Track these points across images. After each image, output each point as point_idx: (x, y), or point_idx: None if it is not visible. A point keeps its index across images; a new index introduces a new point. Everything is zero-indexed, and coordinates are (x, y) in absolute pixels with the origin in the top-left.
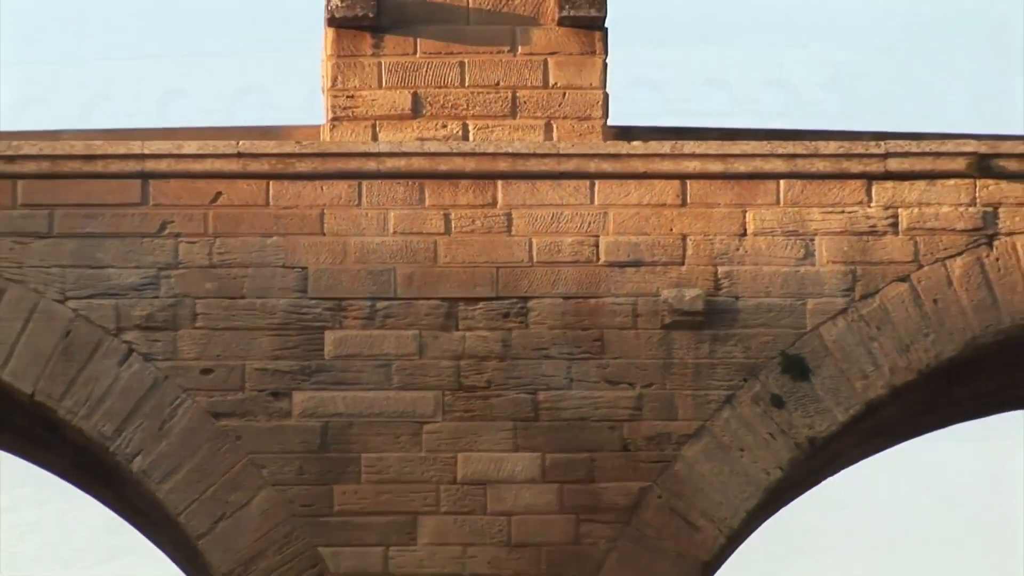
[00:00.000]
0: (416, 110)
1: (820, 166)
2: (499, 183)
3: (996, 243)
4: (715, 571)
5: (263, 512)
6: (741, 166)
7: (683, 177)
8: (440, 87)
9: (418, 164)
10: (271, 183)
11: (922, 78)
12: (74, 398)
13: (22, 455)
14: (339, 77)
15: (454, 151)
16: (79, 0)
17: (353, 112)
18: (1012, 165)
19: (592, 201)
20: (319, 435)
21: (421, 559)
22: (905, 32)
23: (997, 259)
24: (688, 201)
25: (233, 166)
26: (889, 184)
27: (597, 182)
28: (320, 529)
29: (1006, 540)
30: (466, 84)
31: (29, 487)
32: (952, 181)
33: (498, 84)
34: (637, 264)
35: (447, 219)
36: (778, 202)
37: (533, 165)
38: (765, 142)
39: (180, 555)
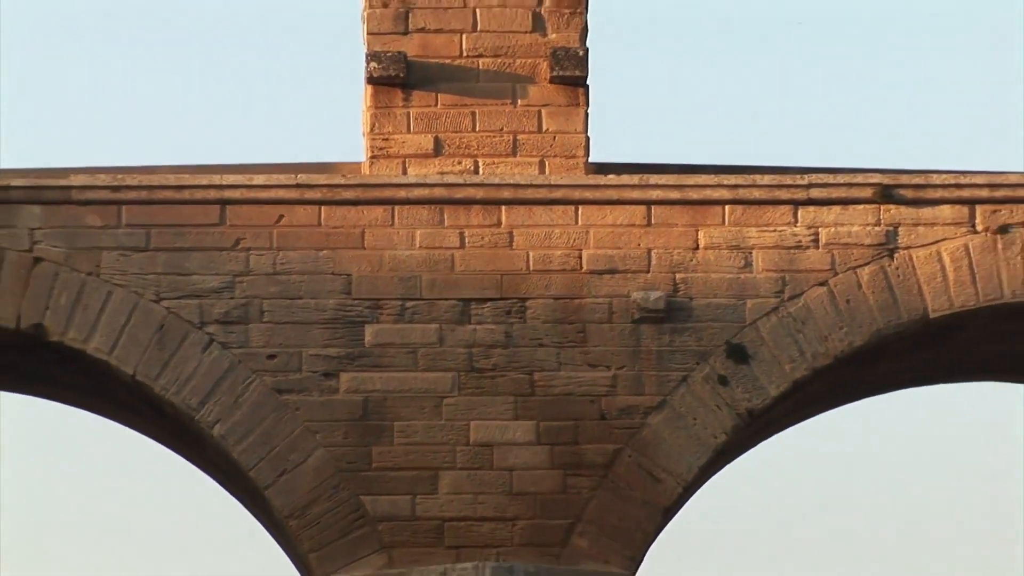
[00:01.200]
0: (437, 150)
1: (757, 194)
2: (503, 208)
3: (896, 255)
4: (673, 514)
5: (316, 468)
6: (694, 194)
7: (648, 203)
8: (456, 132)
9: (438, 193)
10: (322, 208)
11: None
12: (167, 378)
13: (128, 424)
14: (376, 124)
15: (467, 183)
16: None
17: (387, 151)
18: (908, 193)
19: (576, 222)
20: (360, 407)
21: (441, 504)
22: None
23: (897, 268)
24: (652, 222)
25: (292, 194)
26: (811, 209)
27: (580, 207)
28: (361, 481)
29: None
30: (477, 129)
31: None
32: (861, 206)
33: (502, 129)
34: (612, 272)
35: (461, 236)
36: (723, 223)
37: (530, 194)
38: (713, 175)
39: (249, 501)
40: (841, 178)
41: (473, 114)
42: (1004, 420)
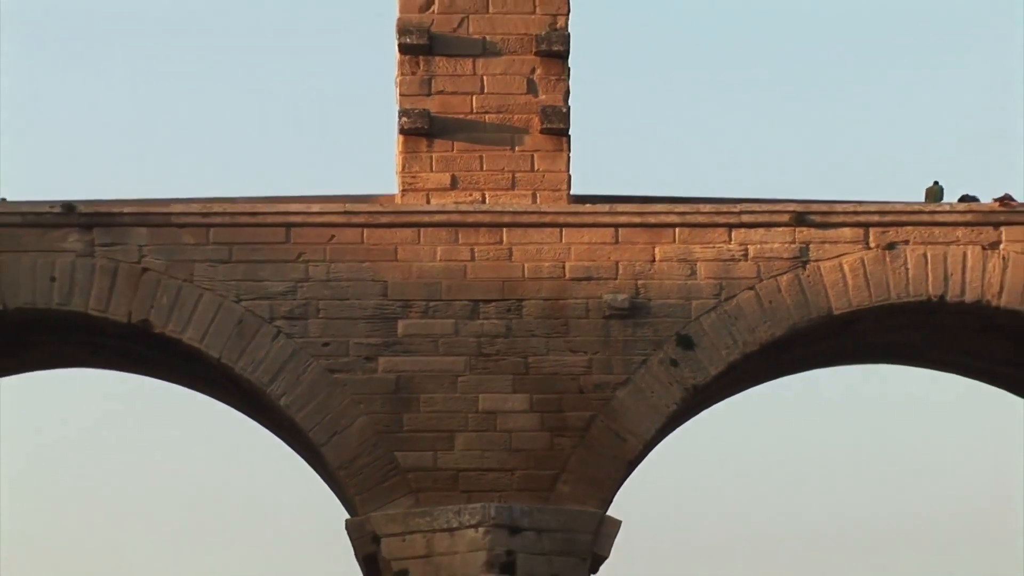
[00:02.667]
0: (453, 185)
1: (700, 219)
2: (504, 230)
3: (807, 266)
4: (636, 466)
5: (359, 431)
6: (651, 219)
7: (616, 226)
8: (468, 171)
9: (454, 218)
10: (364, 230)
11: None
12: (244, 360)
13: (213, 396)
14: (406, 165)
15: (476, 210)
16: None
17: (414, 186)
18: (817, 219)
19: (561, 240)
20: (394, 383)
21: (456, 458)
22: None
23: (808, 276)
24: (619, 240)
25: (341, 219)
26: (742, 230)
27: (564, 229)
28: (394, 441)
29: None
30: (484, 169)
31: None
32: (780, 228)
33: (503, 169)
34: (588, 279)
35: (472, 252)
36: (674, 241)
37: (525, 219)
38: (666, 204)
39: (307, 455)
40: (765, 207)
41: (481, 157)
42: (887, 392)
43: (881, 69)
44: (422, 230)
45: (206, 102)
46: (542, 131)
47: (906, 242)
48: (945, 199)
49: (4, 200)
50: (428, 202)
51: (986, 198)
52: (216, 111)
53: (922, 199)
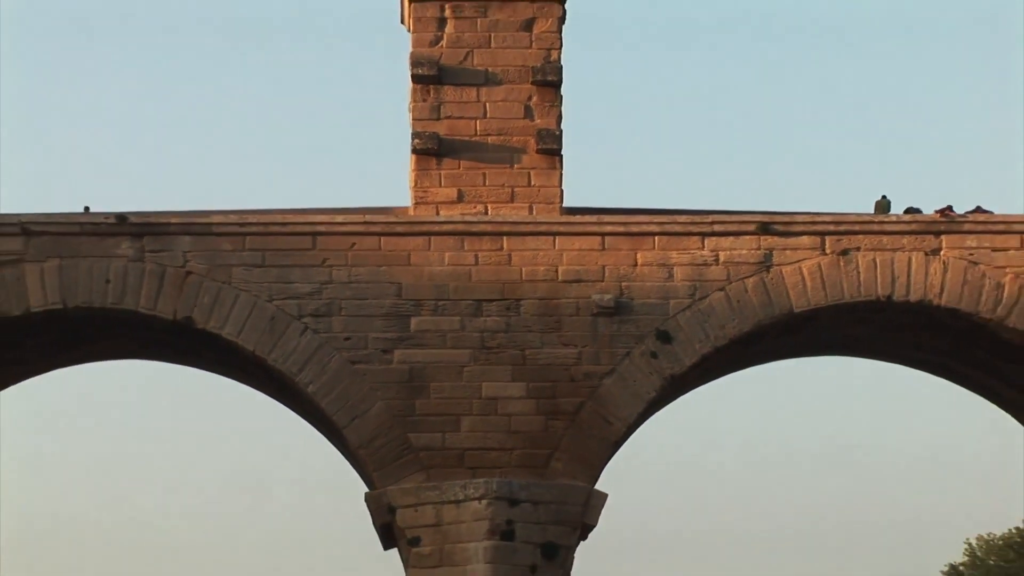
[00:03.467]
0: (459, 198)
1: (677, 229)
2: (504, 238)
3: (771, 270)
4: (620, 446)
5: (377, 415)
6: (634, 228)
7: (603, 235)
8: (472, 186)
9: (460, 228)
10: (381, 238)
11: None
12: (276, 352)
13: (247, 384)
14: (418, 181)
15: (480, 220)
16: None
17: (425, 199)
18: (780, 228)
19: (554, 247)
20: (407, 373)
21: (462, 439)
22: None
23: (771, 278)
24: (605, 247)
25: (360, 229)
26: (714, 238)
27: (557, 237)
28: (408, 424)
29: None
30: (486, 184)
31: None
32: (747, 236)
33: (504, 184)
34: (578, 281)
35: (476, 257)
36: (654, 248)
37: (523, 228)
38: (647, 215)
39: (331, 436)
40: (733, 218)
41: (484, 174)
42: (842, 380)
43: (837, 94)
44: (432, 238)
45: (243, 124)
46: (538, 151)
47: (858, 249)
48: (892, 211)
49: (87, 209)
50: (437, 213)
51: (928, 210)
52: (252, 132)
53: (872, 211)
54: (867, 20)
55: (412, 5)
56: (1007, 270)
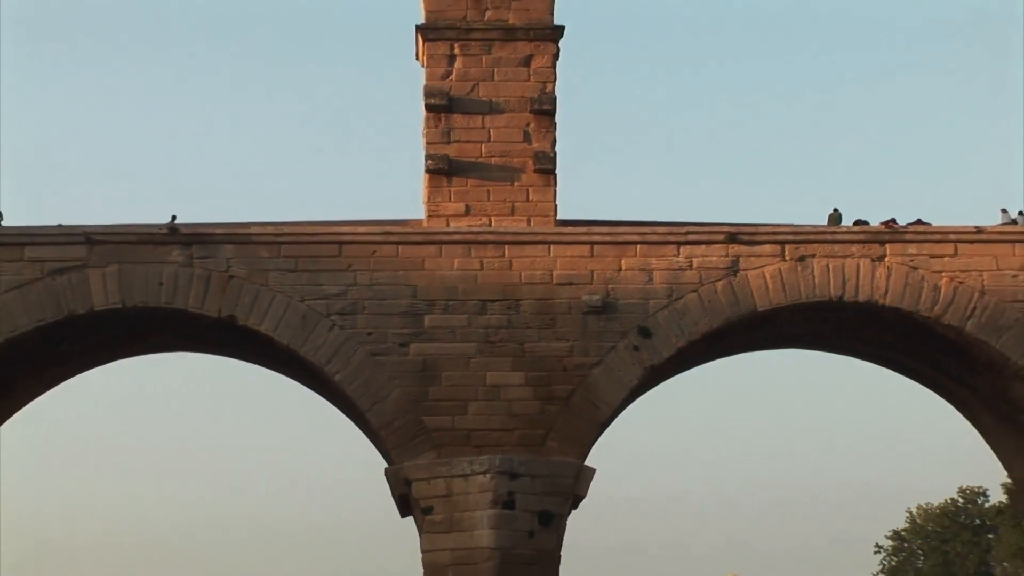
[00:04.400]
0: (467, 212)
1: (656, 238)
2: (506, 246)
3: (738, 275)
4: (607, 427)
5: (395, 400)
6: (619, 238)
7: (591, 243)
8: (478, 201)
9: (468, 238)
10: (399, 246)
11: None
12: (307, 346)
13: (283, 373)
14: (431, 196)
15: (484, 231)
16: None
17: (437, 213)
18: (745, 238)
19: (549, 255)
20: (422, 364)
21: (469, 421)
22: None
23: (738, 282)
24: (594, 254)
25: (380, 238)
26: (688, 247)
27: (551, 246)
28: (423, 407)
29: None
30: (490, 200)
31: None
32: (717, 245)
33: (505, 200)
34: (570, 284)
35: (482, 263)
36: (636, 255)
37: (522, 238)
38: (630, 227)
39: (355, 418)
40: (705, 229)
41: (488, 191)
42: (799, 370)
43: (795, 119)
44: (443, 246)
45: (280, 147)
46: (535, 171)
47: (813, 256)
48: (843, 222)
49: (174, 217)
50: (447, 225)
51: (875, 222)
52: (288, 154)
53: (826, 222)
54: (822, 55)
55: (425, 44)
56: (943, 274)
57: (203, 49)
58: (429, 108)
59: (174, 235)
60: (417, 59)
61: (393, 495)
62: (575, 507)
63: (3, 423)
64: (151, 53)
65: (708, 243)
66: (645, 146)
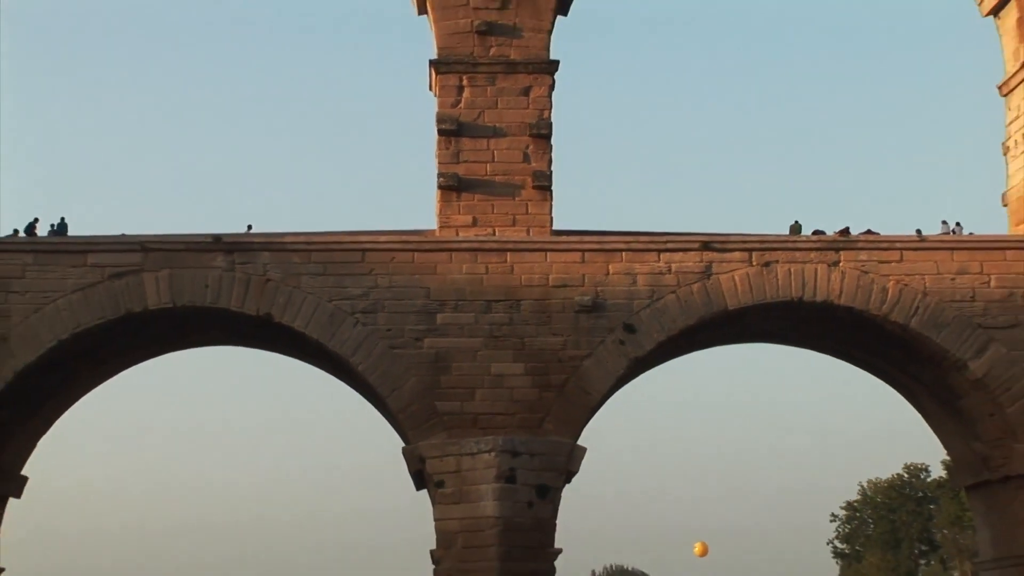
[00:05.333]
0: (474, 223)
1: (638, 246)
2: (508, 253)
3: (711, 278)
4: (596, 412)
5: (411, 387)
6: (607, 246)
7: (583, 250)
8: (484, 214)
9: (475, 245)
10: (415, 253)
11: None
12: (334, 340)
13: (313, 364)
14: (442, 210)
15: (489, 240)
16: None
17: (448, 224)
18: (718, 245)
19: (546, 260)
20: (434, 356)
21: (476, 406)
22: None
23: (711, 284)
24: (585, 260)
25: (398, 246)
26: (667, 253)
27: (548, 252)
28: (435, 394)
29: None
30: (494, 212)
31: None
32: (693, 252)
33: (507, 212)
34: (564, 286)
35: (487, 267)
36: (622, 261)
37: (522, 246)
38: (616, 236)
39: (376, 403)
40: (682, 238)
41: (492, 204)
42: (763, 362)
43: (759, 138)
44: (453, 253)
45: (311, 166)
46: (533, 187)
47: (777, 261)
48: (803, 232)
49: (249, 227)
50: (457, 235)
51: (830, 231)
52: (318, 171)
53: (787, 232)
54: (783, 85)
55: (438, 76)
56: (890, 277)
57: (248, 84)
58: (441, 132)
59: (218, 243)
60: (430, 89)
61: (409, 471)
62: (568, 481)
63: (68, 408)
64: (202, 89)
65: (685, 250)
66: (630, 165)
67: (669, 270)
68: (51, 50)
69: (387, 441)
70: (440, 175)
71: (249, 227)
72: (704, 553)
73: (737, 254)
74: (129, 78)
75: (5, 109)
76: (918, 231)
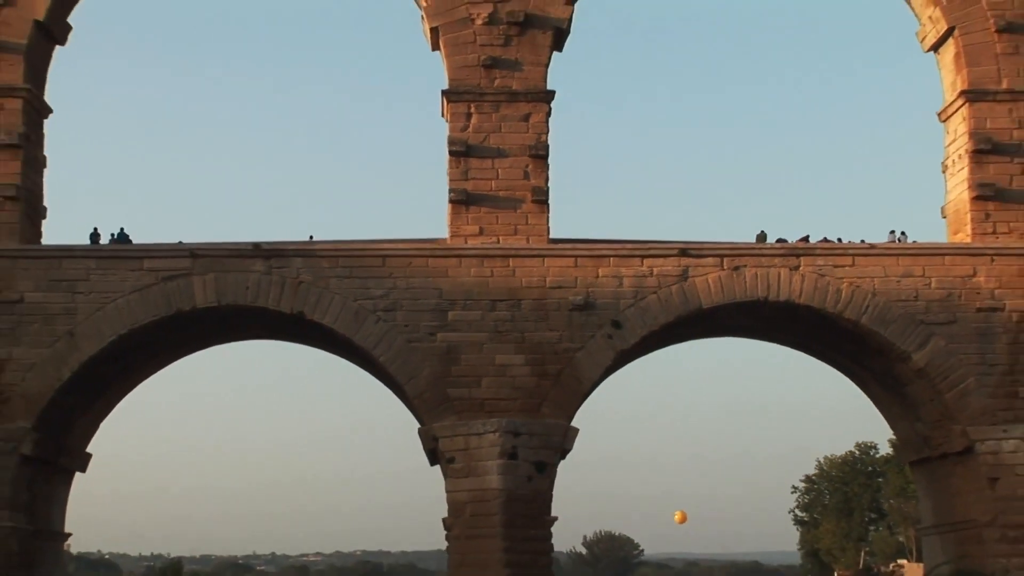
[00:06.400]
0: (480, 232)
1: (624, 252)
2: (511, 259)
3: (688, 280)
4: (587, 397)
5: (426, 376)
6: (596, 252)
7: (576, 256)
8: (489, 224)
9: (481, 252)
10: (429, 259)
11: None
12: (359, 335)
13: (341, 356)
14: (453, 220)
15: (494, 247)
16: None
17: (458, 233)
18: (693, 252)
19: (543, 265)
20: (446, 349)
21: (482, 392)
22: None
23: (688, 286)
24: (577, 265)
25: (414, 252)
26: (650, 259)
27: (545, 258)
28: (447, 381)
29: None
30: (498, 223)
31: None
32: (672, 258)
33: (510, 223)
34: (559, 288)
35: (492, 271)
36: (610, 265)
37: (522, 252)
38: (605, 243)
39: (395, 390)
40: (663, 245)
41: (497, 216)
42: (735, 352)
43: (727, 157)
44: (462, 259)
45: (340, 183)
46: (532, 201)
47: (745, 266)
48: (768, 240)
49: (311, 237)
50: (465, 243)
51: (792, 239)
52: (345, 186)
53: (754, 240)
54: (751, 107)
55: (449, 104)
56: (844, 280)
57: (290, 116)
58: (452, 153)
59: (257, 250)
60: (443, 116)
61: (424, 449)
62: (563, 458)
63: (127, 394)
64: (248, 119)
65: (664, 256)
66: (617, 182)
67: (651, 273)
68: (105, 89)
69: (404, 423)
70: (451, 190)
71: (311, 237)
72: (683, 520)
73: (710, 259)
74: (182, 107)
75: (73, 135)
76: (862, 240)
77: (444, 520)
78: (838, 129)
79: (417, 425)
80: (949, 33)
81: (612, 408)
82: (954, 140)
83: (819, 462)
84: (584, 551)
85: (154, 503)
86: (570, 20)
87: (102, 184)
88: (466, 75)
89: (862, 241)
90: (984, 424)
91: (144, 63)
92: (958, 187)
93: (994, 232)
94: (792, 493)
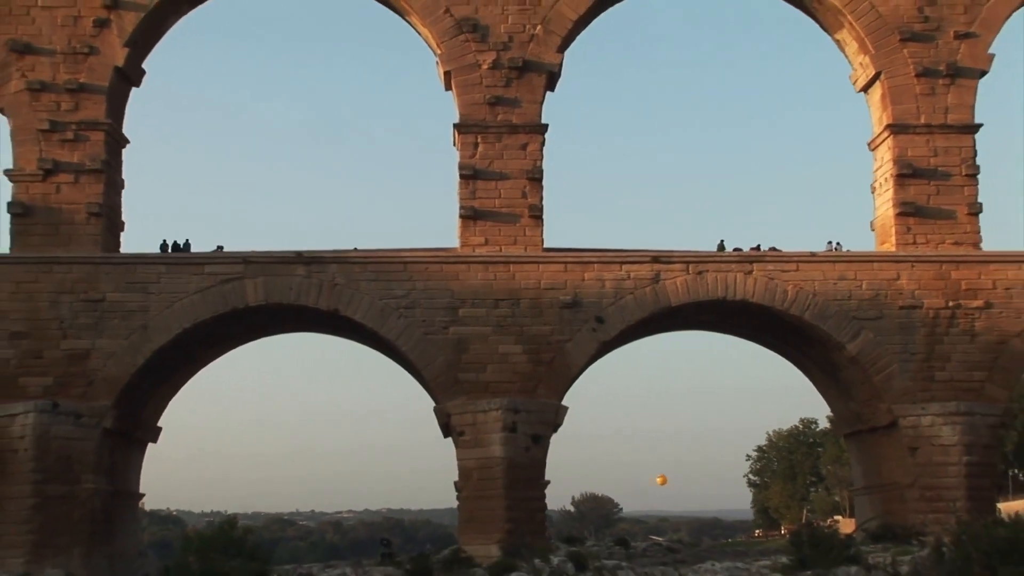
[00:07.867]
0: (486, 243)
1: (606, 259)
2: (511, 265)
3: (659, 283)
4: (575, 381)
5: (439, 363)
6: (583, 259)
7: (565, 263)
8: (493, 236)
9: (487, 259)
10: (443, 265)
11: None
12: (384, 328)
13: (369, 346)
14: (463, 232)
15: (497, 255)
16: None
17: (467, 243)
18: (664, 259)
19: (539, 270)
20: (457, 340)
21: (487, 376)
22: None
23: (660, 288)
24: (567, 270)
25: (430, 260)
26: (627, 265)
27: (540, 264)
28: (459, 367)
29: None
30: (501, 235)
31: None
32: (646, 264)
33: (510, 235)
34: (552, 289)
35: (495, 275)
36: (594, 270)
37: (521, 260)
38: (591, 251)
39: (415, 375)
40: (638, 253)
41: (499, 229)
42: (702, 345)
43: (691, 180)
44: (470, 265)
45: (367, 199)
46: (529, 217)
47: (707, 270)
48: (726, 248)
49: (356, 249)
50: (473, 251)
51: (746, 248)
52: (373, 203)
53: (715, 248)
54: (711, 128)
55: (459, 135)
56: (789, 283)
57: (327, 143)
58: (462, 176)
59: (299, 258)
60: (454, 145)
61: (439, 424)
62: (555, 431)
63: (191, 377)
64: (292, 142)
65: (639, 262)
66: (601, 200)
67: (628, 277)
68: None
69: (421, 402)
70: (461, 207)
71: (355, 248)
72: (664, 483)
73: (678, 265)
74: (239, 139)
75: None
76: (806, 249)
77: (455, 483)
78: (786, 157)
79: (433, 404)
80: (877, 77)
81: (596, 390)
82: (881, 166)
83: (768, 435)
84: (572, 509)
85: (214, 467)
86: (560, 65)
87: (170, 202)
88: (474, 111)
89: (807, 251)
90: (906, 403)
91: (206, 105)
92: (884, 205)
93: (914, 243)
94: (746, 461)
